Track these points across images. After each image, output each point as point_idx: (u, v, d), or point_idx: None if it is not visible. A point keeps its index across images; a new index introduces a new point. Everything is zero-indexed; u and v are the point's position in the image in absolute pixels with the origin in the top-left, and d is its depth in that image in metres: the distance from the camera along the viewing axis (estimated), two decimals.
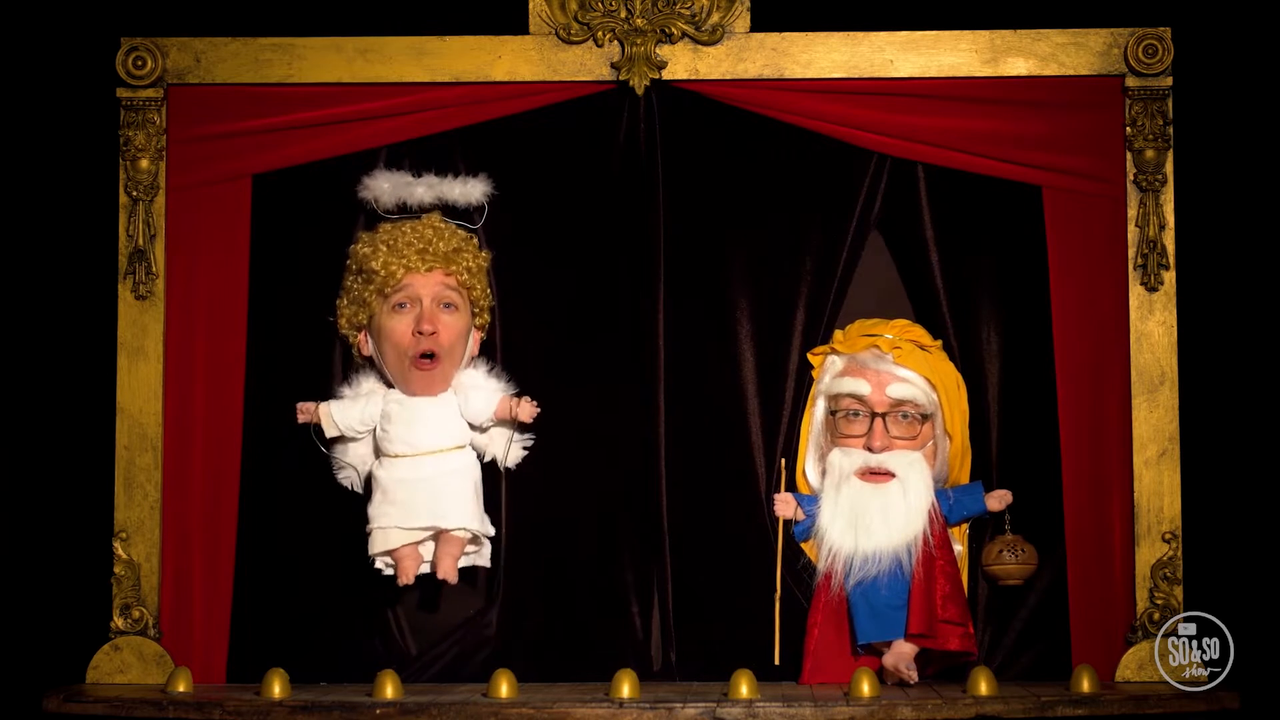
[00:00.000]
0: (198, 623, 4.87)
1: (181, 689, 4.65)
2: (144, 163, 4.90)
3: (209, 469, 4.89)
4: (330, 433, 4.84)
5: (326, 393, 4.91)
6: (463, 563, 4.82)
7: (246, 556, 4.89)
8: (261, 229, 4.94)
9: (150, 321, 4.90)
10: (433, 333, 4.80)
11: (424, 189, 4.89)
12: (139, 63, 4.90)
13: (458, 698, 4.53)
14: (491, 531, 4.86)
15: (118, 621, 4.86)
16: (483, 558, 4.87)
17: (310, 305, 4.95)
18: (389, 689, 4.52)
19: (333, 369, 4.97)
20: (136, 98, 4.91)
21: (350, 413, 4.84)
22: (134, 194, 4.90)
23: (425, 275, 4.82)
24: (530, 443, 4.90)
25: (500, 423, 4.86)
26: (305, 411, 4.83)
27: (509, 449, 4.88)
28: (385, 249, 4.82)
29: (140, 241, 4.89)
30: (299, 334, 4.96)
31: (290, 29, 4.98)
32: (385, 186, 4.90)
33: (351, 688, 4.68)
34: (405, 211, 4.90)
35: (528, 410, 4.81)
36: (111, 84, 4.92)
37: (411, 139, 4.95)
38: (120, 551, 4.86)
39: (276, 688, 4.53)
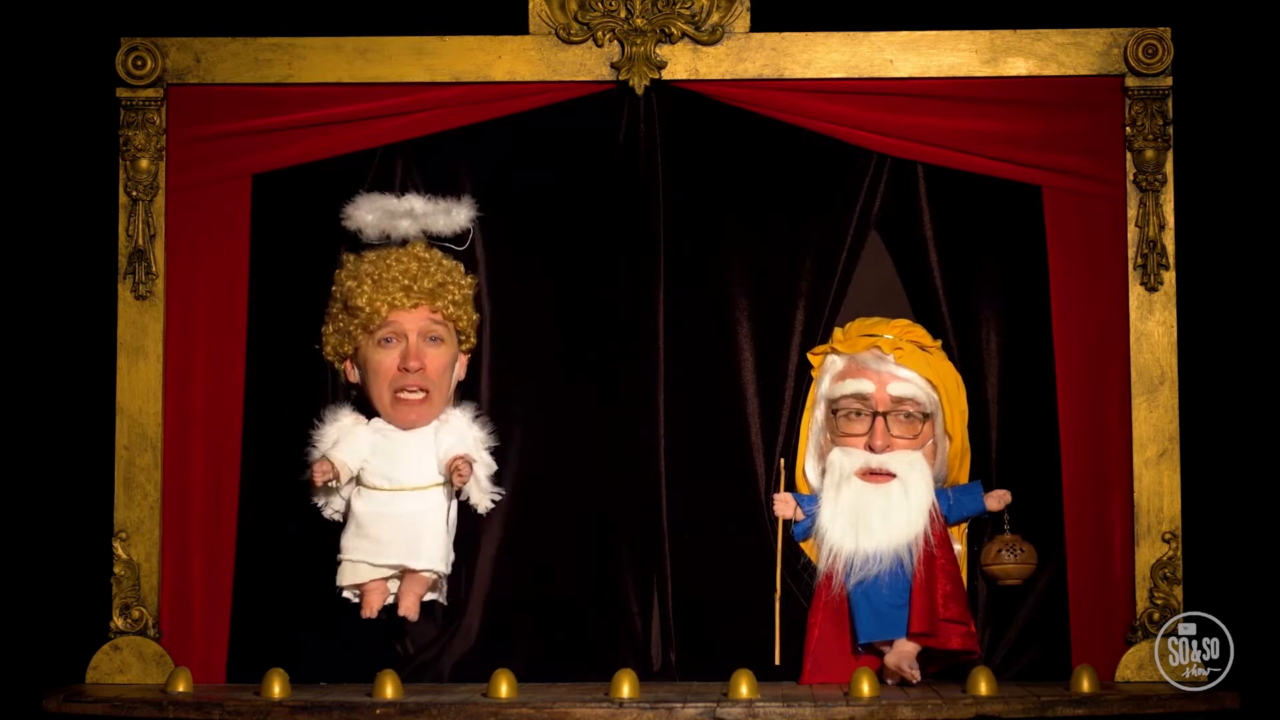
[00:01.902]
0: (198, 623, 4.87)
1: (181, 689, 4.64)
2: (144, 163, 4.90)
3: (209, 469, 4.89)
4: (345, 480, 4.78)
5: (325, 394, 4.91)
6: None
7: (246, 556, 4.89)
8: (261, 229, 4.94)
9: (150, 321, 4.90)
10: (419, 368, 4.79)
11: (408, 222, 4.85)
12: (139, 63, 4.90)
13: (458, 698, 4.53)
14: (448, 570, 4.80)
15: (118, 621, 4.86)
16: (441, 595, 4.84)
17: (310, 305, 4.94)
18: (389, 689, 4.52)
19: (331, 372, 4.96)
20: (136, 98, 4.91)
21: (356, 453, 4.78)
22: (134, 194, 4.90)
23: (410, 311, 4.81)
24: (499, 497, 4.85)
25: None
26: (323, 471, 4.73)
27: (462, 495, 4.82)
28: (370, 285, 4.79)
29: (140, 241, 4.89)
30: (299, 334, 4.95)
31: (290, 29, 4.98)
32: (369, 219, 4.85)
33: (351, 688, 4.67)
34: (389, 242, 4.87)
35: (458, 478, 4.71)
36: (111, 84, 4.92)
37: (411, 139, 4.95)
38: (120, 551, 4.86)
39: (276, 688, 4.53)
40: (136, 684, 4.80)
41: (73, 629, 5.13)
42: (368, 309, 4.79)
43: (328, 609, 4.87)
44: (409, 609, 4.75)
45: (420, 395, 4.80)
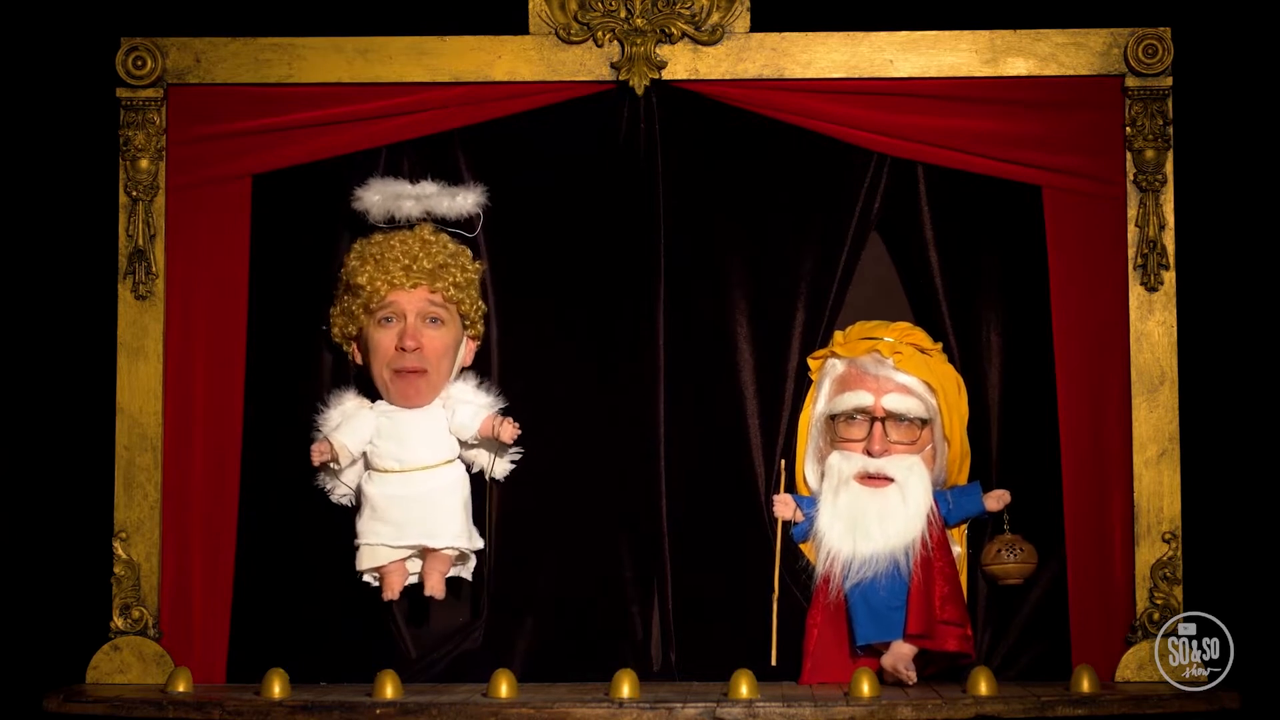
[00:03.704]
0: (198, 623, 4.87)
1: (181, 689, 4.65)
2: (144, 163, 4.90)
3: (209, 469, 4.90)
4: (345, 462, 4.81)
5: (325, 394, 4.91)
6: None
7: (246, 556, 4.89)
8: (261, 229, 4.94)
9: (150, 321, 4.90)
10: (416, 348, 4.80)
11: (412, 202, 4.87)
12: (139, 63, 4.91)
13: (458, 698, 4.53)
14: (479, 545, 4.86)
15: (118, 621, 4.86)
16: (466, 571, 4.87)
17: (310, 305, 4.94)
18: (389, 689, 4.52)
19: (331, 371, 4.97)
20: (136, 98, 4.91)
21: (359, 436, 4.81)
22: (134, 194, 4.91)
23: (410, 291, 4.81)
24: (519, 456, 4.90)
25: (484, 440, 4.85)
26: (321, 452, 4.78)
27: (492, 463, 4.88)
28: (372, 264, 4.81)
29: (140, 241, 4.90)
30: (299, 334, 4.96)
31: (290, 29, 4.98)
32: (375, 199, 4.87)
33: (351, 688, 4.68)
34: (395, 224, 4.89)
35: (509, 432, 4.79)
36: (111, 84, 4.92)
37: (411, 139, 4.95)
38: (120, 551, 4.87)
39: (276, 688, 4.53)
40: (136, 684, 4.80)
41: (73, 629, 5.13)
42: (368, 288, 4.80)
43: (328, 608, 4.88)
44: (435, 588, 4.78)
45: (417, 376, 4.81)
